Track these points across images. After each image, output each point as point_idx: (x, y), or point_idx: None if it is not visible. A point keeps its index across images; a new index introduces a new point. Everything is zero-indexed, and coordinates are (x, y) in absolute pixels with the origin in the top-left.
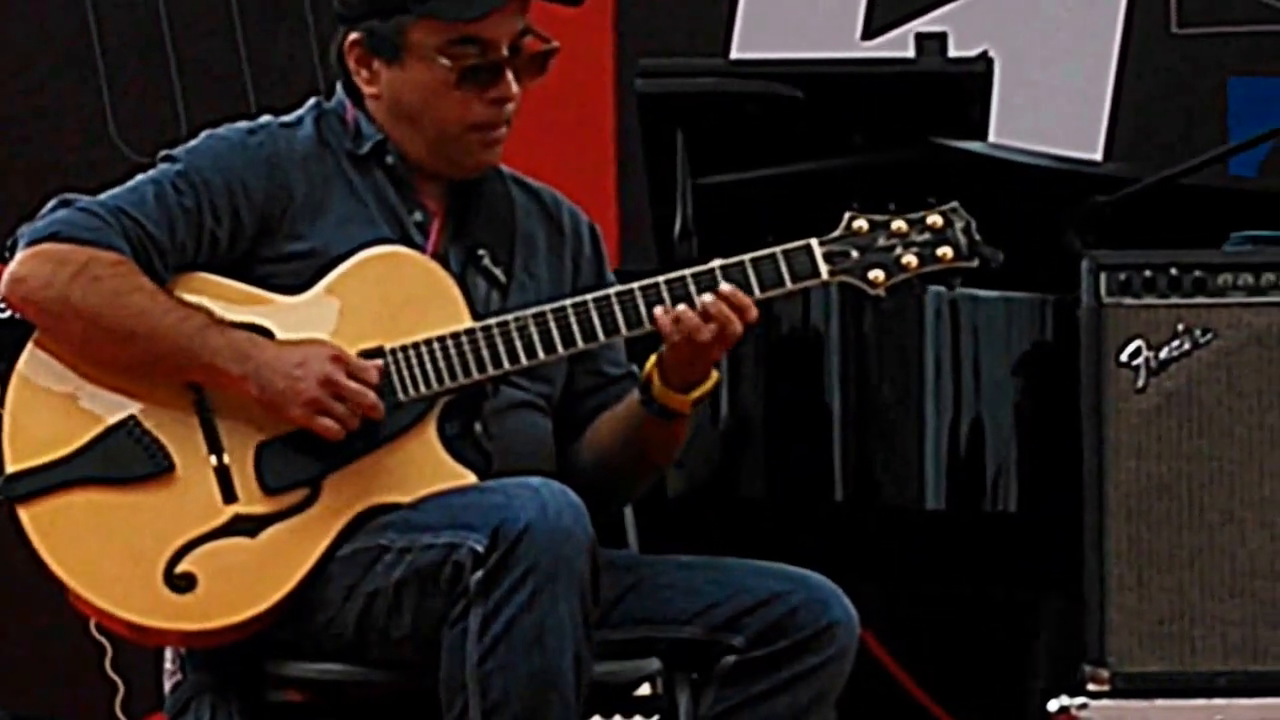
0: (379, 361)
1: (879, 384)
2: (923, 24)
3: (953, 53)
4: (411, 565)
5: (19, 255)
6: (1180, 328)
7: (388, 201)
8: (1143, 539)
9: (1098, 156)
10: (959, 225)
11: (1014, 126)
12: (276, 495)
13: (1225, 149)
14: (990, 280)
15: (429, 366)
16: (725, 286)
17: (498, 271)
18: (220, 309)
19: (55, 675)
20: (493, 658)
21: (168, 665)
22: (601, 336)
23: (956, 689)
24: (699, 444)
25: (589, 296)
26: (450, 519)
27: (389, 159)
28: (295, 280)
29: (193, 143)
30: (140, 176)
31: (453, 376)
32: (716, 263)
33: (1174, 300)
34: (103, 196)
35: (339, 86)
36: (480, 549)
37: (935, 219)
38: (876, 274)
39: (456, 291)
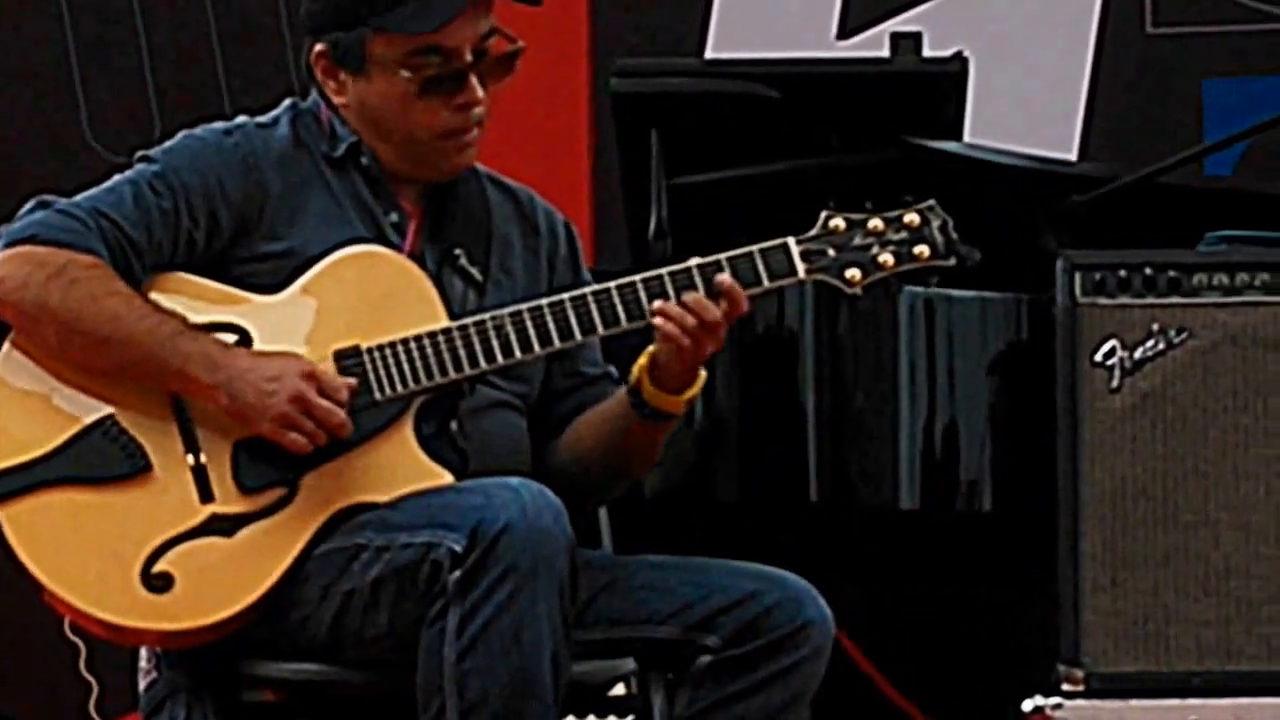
0: (352, 380)
1: (854, 384)
2: (898, 24)
3: (928, 52)
4: (389, 565)
5: None
6: (1155, 328)
7: (364, 202)
8: (1117, 539)
9: (1073, 156)
10: (936, 224)
11: (989, 126)
12: (253, 495)
13: (1200, 149)
14: (965, 280)
15: (405, 366)
16: (722, 276)
17: (474, 271)
18: (197, 308)
19: (29, 676)
20: (470, 658)
21: (142, 665)
22: (578, 335)
23: (931, 689)
24: (674, 444)
25: (565, 296)
26: (428, 518)
27: (364, 160)
28: (272, 280)
29: (169, 143)
30: (117, 177)
31: (429, 376)
32: (694, 261)
33: (1149, 300)
34: (80, 198)
35: (313, 87)
36: (458, 549)
37: (912, 217)
38: (853, 273)
39: (433, 291)
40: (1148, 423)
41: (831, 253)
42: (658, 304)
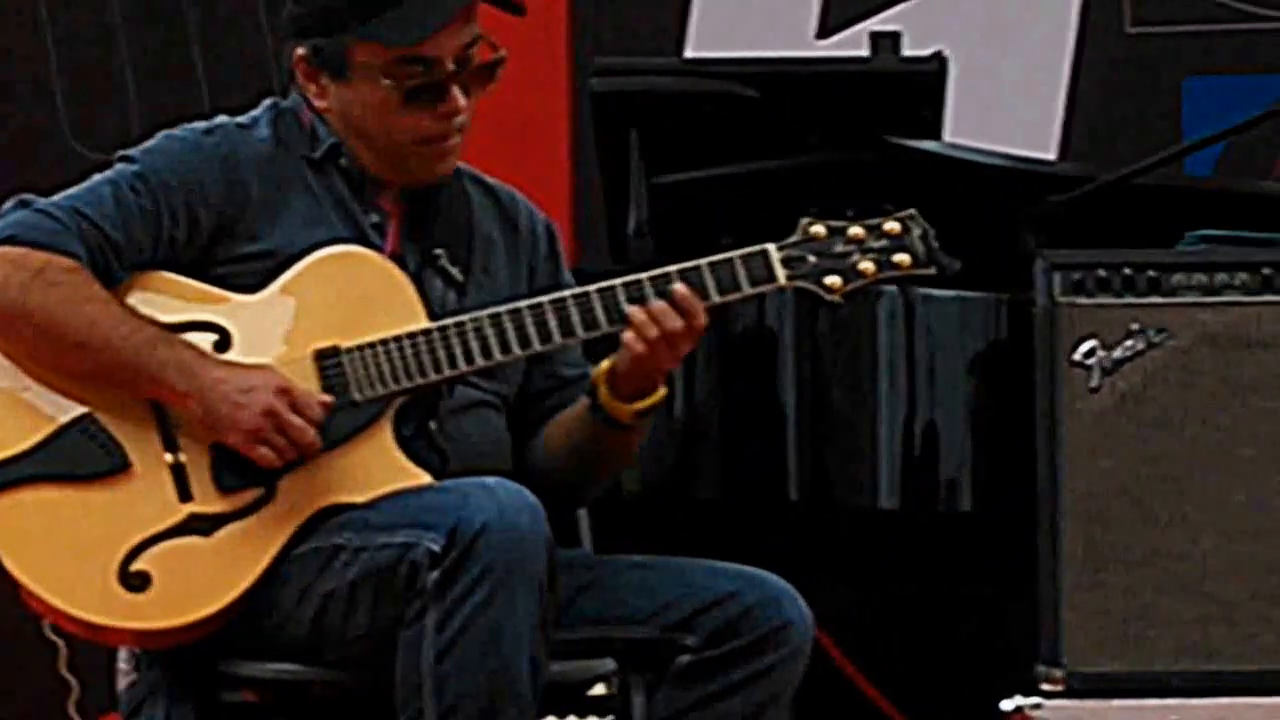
0: (326, 397)
1: (833, 383)
2: (877, 23)
3: (907, 52)
4: (367, 565)
5: None
6: (1134, 327)
7: (344, 203)
8: (1097, 539)
9: (1052, 156)
10: (916, 232)
11: (968, 126)
12: (232, 494)
13: (1180, 148)
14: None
15: (385, 367)
16: (678, 287)
17: (455, 271)
18: (177, 307)
19: (8, 675)
20: (449, 658)
21: (122, 665)
22: (557, 339)
23: (911, 689)
24: (654, 444)
25: (545, 299)
26: (406, 519)
27: (344, 162)
28: (252, 280)
29: (150, 143)
30: (97, 177)
31: (409, 377)
32: (674, 267)
33: (1128, 300)
34: (60, 198)
35: (294, 89)
36: (437, 549)
37: (893, 225)
38: (833, 280)
39: (412, 291)
40: (1127, 422)
41: (812, 259)
42: (633, 308)
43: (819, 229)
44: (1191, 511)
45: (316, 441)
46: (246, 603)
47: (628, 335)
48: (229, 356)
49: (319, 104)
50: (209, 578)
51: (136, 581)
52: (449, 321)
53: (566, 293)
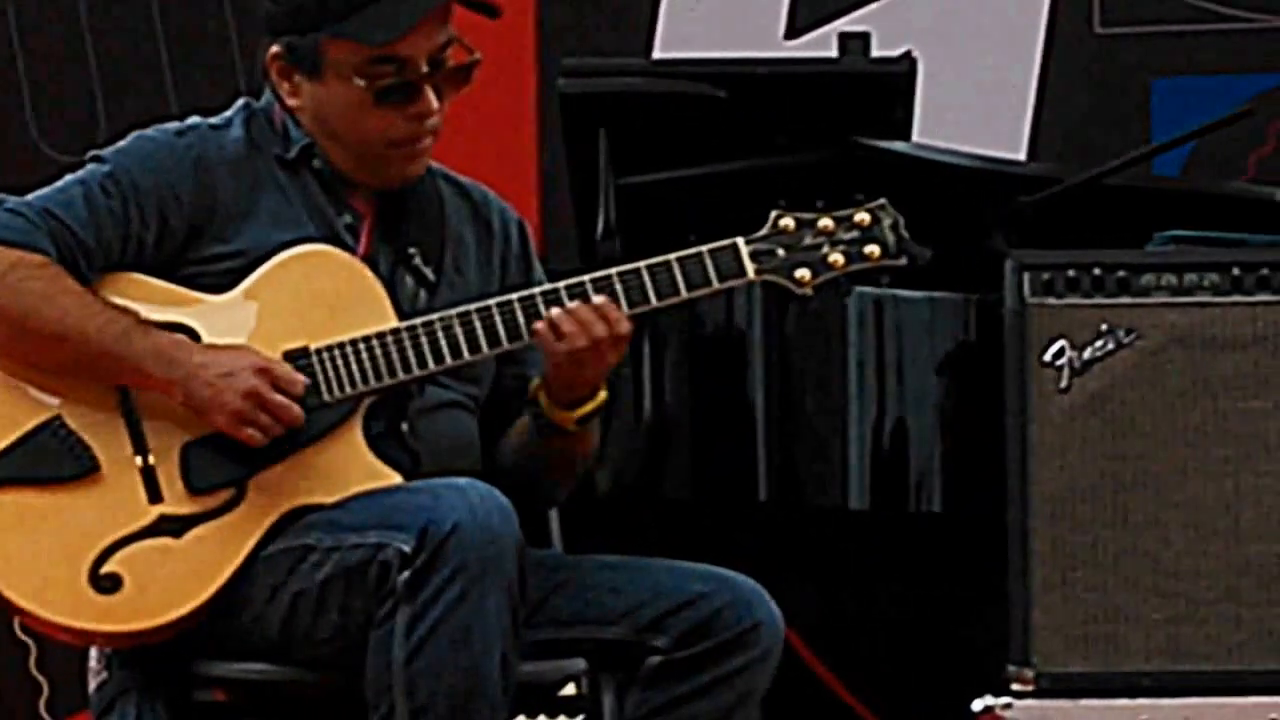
0: (304, 378)
1: (803, 384)
2: (846, 24)
3: (876, 52)
4: (338, 565)
5: None
6: (1104, 328)
7: (317, 204)
8: (1066, 539)
9: (1021, 156)
10: (887, 223)
11: (938, 126)
12: (202, 496)
13: (1149, 149)
14: (914, 280)
15: (354, 366)
16: (598, 298)
17: (427, 271)
18: (145, 308)
19: None
20: (420, 658)
21: (92, 664)
22: (526, 337)
23: (882, 689)
24: (623, 444)
25: (514, 297)
26: (377, 519)
27: (316, 163)
28: (224, 280)
29: (122, 143)
30: (69, 177)
31: (378, 377)
32: (643, 263)
33: (1097, 300)
34: (31, 197)
35: (268, 88)
36: (407, 549)
37: (863, 216)
38: (803, 273)
39: (381, 290)
40: (1097, 423)
41: (781, 253)
42: (538, 323)
43: (788, 222)
44: (1161, 512)
45: (300, 416)
46: (217, 603)
47: (547, 338)
48: None
49: (292, 102)
50: (180, 579)
51: (107, 584)
52: (418, 321)
53: (536, 290)
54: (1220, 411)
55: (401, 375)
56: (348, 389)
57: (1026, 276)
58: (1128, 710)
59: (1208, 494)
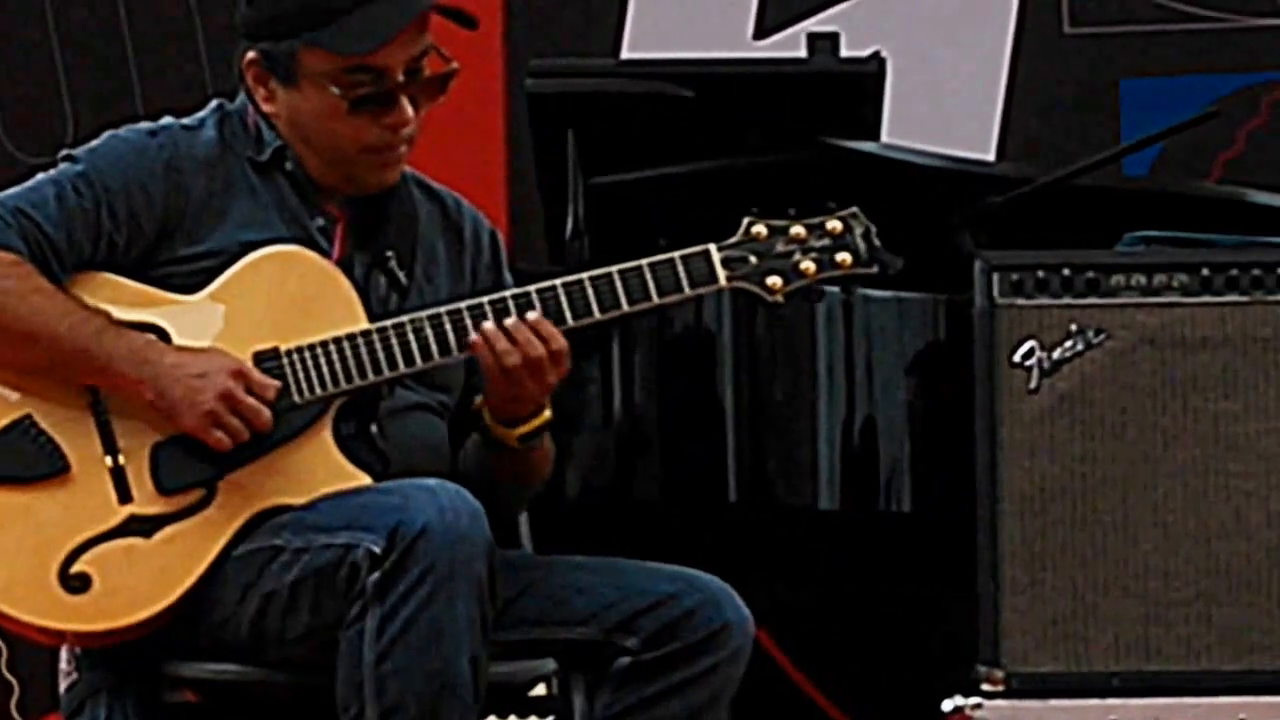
0: (278, 383)
1: (772, 384)
2: (815, 24)
3: (845, 53)
4: (307, 566)
5: None
6: (1073, 328)
7: (289, 206)
8: (1036, 540)
9: (991, 157)
10: (859, 231)
11: (907, 126)
12: (172, 496)
13: (1118, 149)
14: (883, 280)
15: (324, 368)
16: (532, 315)
17: (400, 274)
18: (116, 309)
19: None
20: (390, 659)
21: (63, 665)
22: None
23: (852, 689)
24: (593, 445)
25: (484, 299)
26: (347, 520)
27: (289, 165)
28: (195, 280)
29: (94, 143)
30: (40, 176)
31: (348, 378)
32: (615, 268)
33: (1067, 301)
34: (1, 196)
35: (242, 91)
36: (377, 550)
37: (835, 224)
38: (774, 280)
39: (352, 292)
40: (1066, 423)
41: (753, 260)
42: (473, 336)
43: (760, 229)
44: (1131, 512)
45: (269, 421)
46: (187, 604)
47: (482, 354)
48: None
49: (267, 108)
50: (149, 579)
51: (77, 583)
52: (389, 323)
53: (507, 293)
54: (1190, 412)
55: (372, 377)
56: (318, 390)
57: (996, 277)
58: (1097, 710)
59: (1177, 494)
